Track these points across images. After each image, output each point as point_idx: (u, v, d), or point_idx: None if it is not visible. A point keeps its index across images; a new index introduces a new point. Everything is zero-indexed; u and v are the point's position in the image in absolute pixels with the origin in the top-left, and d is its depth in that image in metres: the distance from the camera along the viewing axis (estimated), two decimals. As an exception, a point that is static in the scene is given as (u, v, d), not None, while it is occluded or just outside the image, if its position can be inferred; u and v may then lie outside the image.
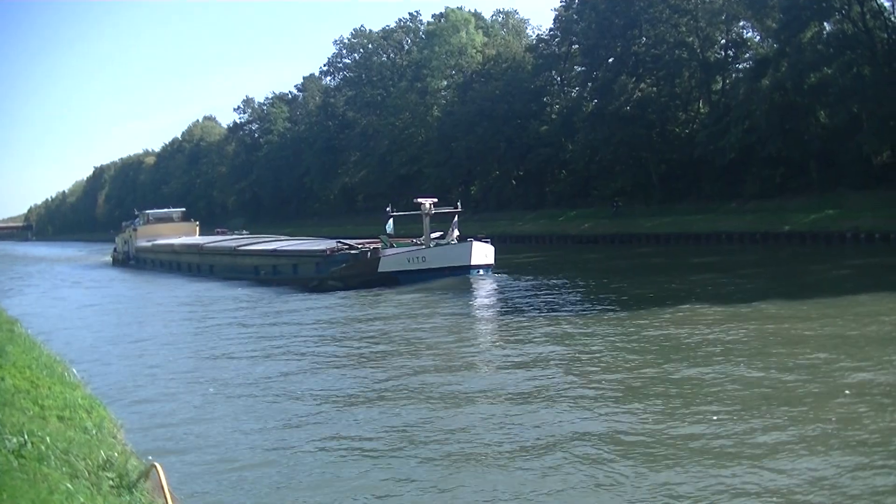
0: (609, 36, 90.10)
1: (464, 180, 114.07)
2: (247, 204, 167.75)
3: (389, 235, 52.55)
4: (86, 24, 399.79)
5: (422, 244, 50.78)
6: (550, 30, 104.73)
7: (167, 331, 35.85)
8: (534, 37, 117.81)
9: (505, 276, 48.95)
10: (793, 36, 69.87)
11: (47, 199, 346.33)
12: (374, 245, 51.99)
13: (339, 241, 55.08)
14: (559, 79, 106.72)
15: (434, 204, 51.60)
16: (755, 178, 74.29)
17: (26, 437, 9.28)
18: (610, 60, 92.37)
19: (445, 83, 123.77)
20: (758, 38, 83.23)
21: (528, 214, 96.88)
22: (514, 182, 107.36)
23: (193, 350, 29.75)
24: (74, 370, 16.06)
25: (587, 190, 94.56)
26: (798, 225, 63.39)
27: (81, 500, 8.11)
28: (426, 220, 50.62)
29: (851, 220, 59.55)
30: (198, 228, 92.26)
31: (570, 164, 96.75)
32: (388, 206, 54.48)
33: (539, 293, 40.75)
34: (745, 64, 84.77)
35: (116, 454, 9.91)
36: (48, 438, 9.47)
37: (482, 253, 48.79)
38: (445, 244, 50.02)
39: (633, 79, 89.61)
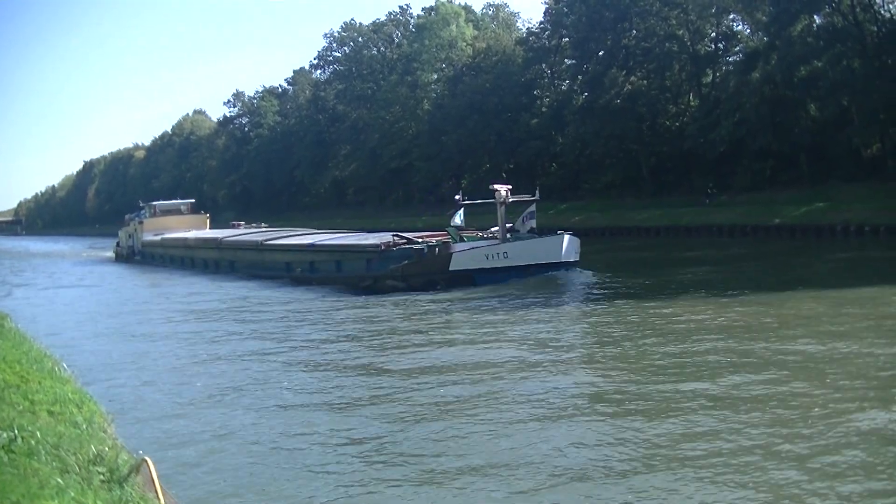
0: (599, 29, 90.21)
1: (454, 174, 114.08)
2: (237, 197, 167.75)
3: (459, 228, 45.59)
4: (74, 17, 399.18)
5: (495, 237, 44.53)
6: (541, 23, 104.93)
7: (208, 349, 29.03)
8: (524, 30, 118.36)
9: (591, 273, 42.49)
10: (783, 29, 70.00)
11: (37, 194, 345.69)
12: (441, 238, 45.70)
13: (396, 235, 49.43)
14: (549, 72, 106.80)
15: (509, 191, 44.22)
16: (745, 170, 74.57)
17: (16, 431, 9.24)
18: (600, 53, 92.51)
19: (436, 76, 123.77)
20: (748, 31, 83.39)
21: (518, 208, 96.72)
22: (504, 175, 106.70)
23: (251, 379, 23.10)
24: (65, 364, 16.00)
25: (577, 183, 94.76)
26: (788, 218, 63.41)
27: (72, 494, 8.08)
28: (501, 210, 43.89)
29: (842, 213, 59.60)
30: (208, 221, 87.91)
31: (560, 158, 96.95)
32: (457, 194, 47.18)
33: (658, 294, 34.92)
34: (735, 57, 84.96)
35: (107, 448, 9.88)
36: (38, 433, 9.44)
37: (572, 248, 42.55)
38: (529, 237, 43.49)
39: (624, 72, 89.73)
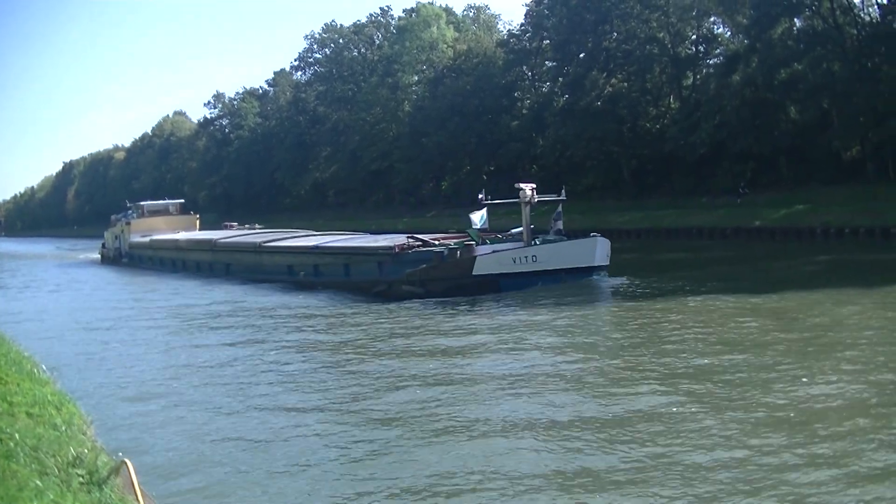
0: (580, 31, 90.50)
1: (435, 175, 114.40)
2: (217, 199, 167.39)
3: (482, 230, 42.17)
4: (54, 20, 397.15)
5: (517, 239, 41.23)
6: (521, 25, 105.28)
7: (206, 357, 27.18)
8: (505, 32, 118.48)
9: (624, 279, 39.77)
10: (763, 32, 70.39)
11: (16, 195, 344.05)
12: (462, 240, 42.92)
13: (411, 237, 46.57)
14: (530, 74, 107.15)
15: (534, 190, 41.27)
16: (726, 172, 74.94)
17: (-6, 434, 9.17)
18: (581, 56, 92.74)
19: (416, 78, 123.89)
20: (728, 33, 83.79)
21: (500, 210, 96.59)
22: (485, 177, 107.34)
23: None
24: (44, 366, 15.88)
25: (558, 185, 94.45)
26: (768, 220, 63.58)
27: (51, 496, 8.00)
28: (526, 211, 40.58)
29: (821, 216, 59.86)
30: (198, 222, 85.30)
31: (540, 160, 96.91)
32: (480, 193, 42.61)
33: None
34: (715, 59, 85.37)
35: (86, 451, 9.78)
36: (17, 435, 9.35)
37: (604, 251, 39.93)
38: (557, 240, 40.59)
39: (604, 74, 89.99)
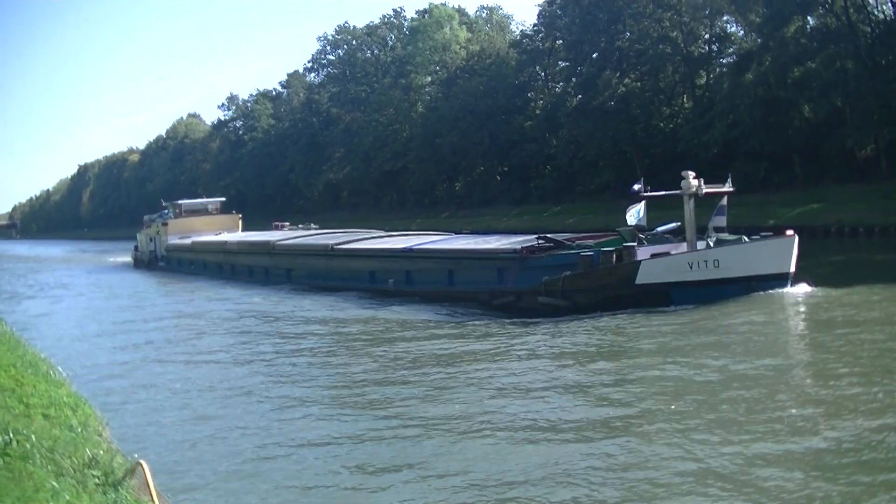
0: (593, 31, 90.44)
1: (448, 176, 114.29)
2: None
3: (639, 229, 34.95)
4: (68, 22, 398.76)
5: (664, 240, 35.54)
6: (534, 25, 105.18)
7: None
8: (518, 32, 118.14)
9: (817, 290, 31.53)
10: (776, 30, 70.06)
11: (31, 198, 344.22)
12: (608, 238, 37.07)
13: (542, 237, 38.32)
14: (543, 74, 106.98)
15: (700, 179, 33.77)
16: (739, 172, 74.21)
17: (11, 435, 9.22)
18: (594, 55, 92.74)
19: (429, 79, 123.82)
20: (741, 32, 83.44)
21: (512, 210, 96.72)
22: (498, 177, 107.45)
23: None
24: (59, 368, 15.91)
25: (572, 185, 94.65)
26: (783, 219, 63.20)
27: (67, 498, 8.07)
28: (690, 204, 33.46)
29: (836, 214, 59.60)
30: (241, 222, 78.87)
31: (554, 160, 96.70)
32: (637, 184, 35.00)
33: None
34: (728, 58, 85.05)
35: (102, 452, 9.85)
36: (33, 437, 9.41)
37: (796, 254, 31.61)
38: (736, 240, 33.26)
39: (617, 74, 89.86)
